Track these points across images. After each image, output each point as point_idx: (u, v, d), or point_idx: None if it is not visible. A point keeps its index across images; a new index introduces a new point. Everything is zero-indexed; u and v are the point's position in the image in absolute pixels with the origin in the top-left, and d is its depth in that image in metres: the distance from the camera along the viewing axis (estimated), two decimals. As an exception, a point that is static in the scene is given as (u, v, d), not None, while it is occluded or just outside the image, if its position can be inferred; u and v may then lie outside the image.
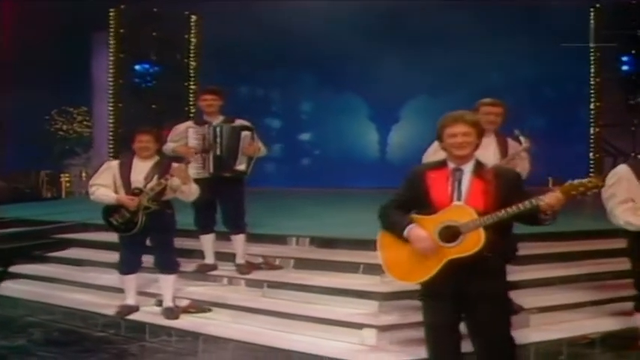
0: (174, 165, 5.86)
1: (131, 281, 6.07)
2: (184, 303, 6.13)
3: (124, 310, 6.02)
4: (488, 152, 5.22)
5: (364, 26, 15.31)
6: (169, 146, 6.38)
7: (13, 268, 7.46)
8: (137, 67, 14.13)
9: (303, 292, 5.80)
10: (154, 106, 14.02)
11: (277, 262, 6.61)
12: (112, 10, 13.79)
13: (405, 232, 3.57)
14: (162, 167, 5.83)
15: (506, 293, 3.93)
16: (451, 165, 3.69)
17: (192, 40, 14.54)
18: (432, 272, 3.57)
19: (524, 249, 6.18)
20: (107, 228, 6.03)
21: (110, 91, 13.90)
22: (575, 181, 3.66)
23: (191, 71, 14.55)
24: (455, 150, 3.65)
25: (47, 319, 6.17)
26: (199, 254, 6.59)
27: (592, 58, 14.04)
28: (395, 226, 3.65)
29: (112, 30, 13.83)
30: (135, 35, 13.92)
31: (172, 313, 5.89)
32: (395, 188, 3.88)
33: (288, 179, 16.38)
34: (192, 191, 5.88)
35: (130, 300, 6.08)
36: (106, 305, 6.28)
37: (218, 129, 6.28)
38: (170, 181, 5.72)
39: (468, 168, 3.67)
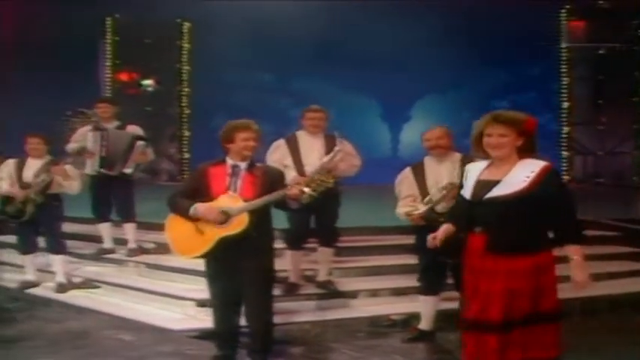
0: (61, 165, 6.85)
1: (29, 260, 7.11)
2: (78, 280, 7.14)
3: (24, 285, 7.07)
4: (315, 151, 6.06)
5: (371, 27, 15.77)
6: (71, 146, 7.35)
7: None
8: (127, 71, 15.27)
9: (167, 271, 6.73)
10: (148, 109, 15.16)
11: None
12: (107, 18, 14.99)
13: (192, 210, 4.39)
14: (51, 165, 6.81)
15: (271, 268, 4.70)
16: (230, 162, 4.56)
17: (185, 45, 15.59)
18: (206, 248, 4.42)
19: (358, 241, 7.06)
20: (3, 216, 7.04)
21: (107, 95, 15.06)
22: (314, 176, 4.62)
23: (183, 75, 15.60)
24: (246, 152, 4.53)
25: (-29, 293, 7.24)
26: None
27: (564, 57, 14.37)
28: (182, 209, 4.46)
29: (108, 38, 15.05)
30: (129, 42, 15.05)
31: (62, 288, 6.89)
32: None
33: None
34: (73, 187, 6.86)
35: (30, 276, 7.12)
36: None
37: (105, 134, 7.21)
38: (54, 177, 6.72)
39: (244, 165, 4.55)
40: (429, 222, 5.10)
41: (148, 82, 15.52)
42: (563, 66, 14.45)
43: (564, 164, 14.50)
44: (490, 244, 3.49)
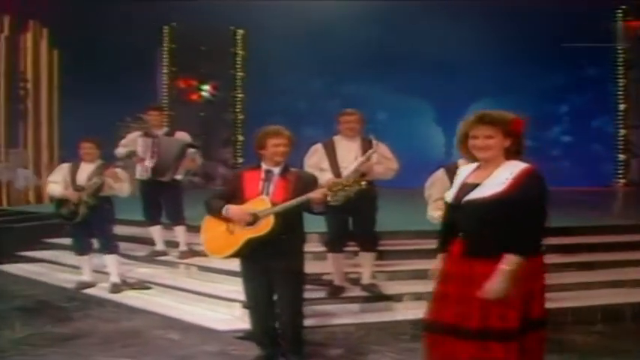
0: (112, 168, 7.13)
1: (85, 261, 7.41)
2: (132, 281, 7.40)
3: (80, 285, 7.38)
4: (351, 153, 6.12)
5: (424, 30, 15.75)
6: (120, 151, 7.61)
7: (24, 253, 9.10)
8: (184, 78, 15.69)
9: (216, 273, 6.91)
10: (202, 114, 15.52)
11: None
12: (165, 27, 15.42)
13: (224, 211, 4.58)
14: (103, 169, 7.09)
15: (300, 270, 4.83)
16: (265, 167, 4.72)
17: (239, 52, 15.90)
18: (235, 248, 4.59)
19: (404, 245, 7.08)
20: (58, 218, 7.36)
21: (164, 101, 15.52)
22: (337, 180, 4.67)
23: (237, 82, 15.92)
24: (277, 157, 4.68)
25: (33, 292, 7.49)
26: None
27: (620, 59, 14.08)
28: (216, 210, 4.64)
29: (165, 45, 15.48)
30: (185, 49, 15.45)
31: (116, 288, 7.16)
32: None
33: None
34: (123, 189, 7.13)
35: (86, 277, 7.42)
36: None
37: (156, 141, 7.46)
38: (105, 180, 6.99)
39: (277, 170, 4.69)
40: None
41: (206, 87, 15.92)
42: (620, 67, 14.13)
43: (620, 167, 14.20)
44: (469, 248, 3.31)
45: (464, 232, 3.35)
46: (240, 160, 16.10)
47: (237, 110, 15.94)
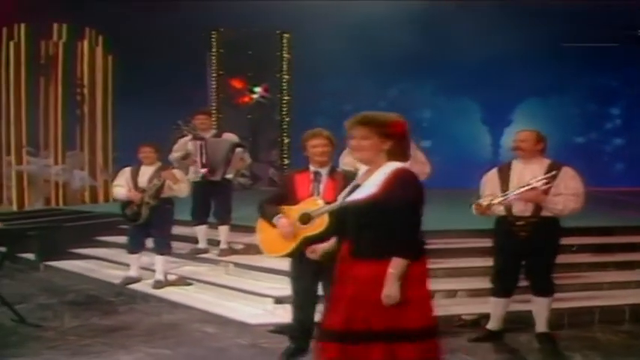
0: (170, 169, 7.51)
1: (135, 259, 7.81)
2: (173, 277, 7.76)
3: (127, 281, 7.77)
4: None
5: (471, 30, 15.73)
6: (174, 156, 7.92)
7: (76, 250, 9.60)
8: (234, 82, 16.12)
9: (253, 271, 7.20)
10: (249, 116, 15.92)
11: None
12: (213, 32, 15.86)
13: (274, 220, 4.81)
14: (161, 171, 7.46)
15: None
16: (312, 169, 4.98)
17: (285, 56, 16.23)
18: (291, 247, 4.78)
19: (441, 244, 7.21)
20: (123, 218, 7.80)
21: (213, 104, 15.93)
22: None
23: (284, 85, 16.24)
24: (317, 157, 4.94)
25: (83, 287, 7.95)
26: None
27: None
28: (268, 216, 4.89)
29: (213, 50, 15.92)
30: (232, 54, 15.86)
31: (159, 284, 7.52)
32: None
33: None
34: (182, 190, 7.53)
35: (133, 273, 7.81)
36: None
37: (205, 143, 7.77)
38: (165, 181, 7.37)
39: (325, 171, 4.95)
40: (506, 225, 5.35)
41: (258, 89, 16.27)
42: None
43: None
44: (351, 250, 3.32)
45: (348, 234, 3.35)
46: (287, 162, 16.36)
47: (284, 112, 16.24)
